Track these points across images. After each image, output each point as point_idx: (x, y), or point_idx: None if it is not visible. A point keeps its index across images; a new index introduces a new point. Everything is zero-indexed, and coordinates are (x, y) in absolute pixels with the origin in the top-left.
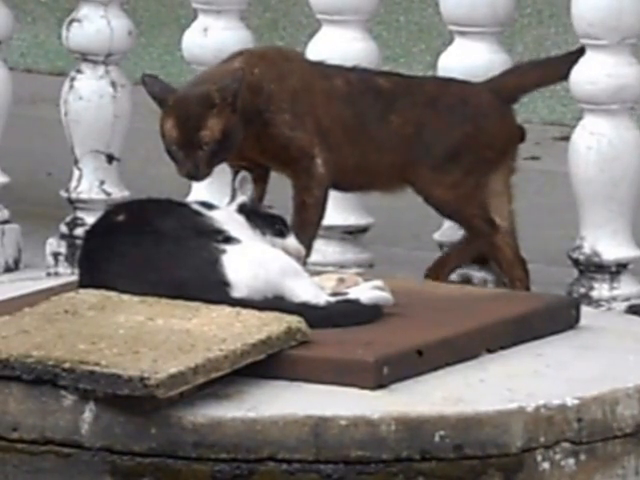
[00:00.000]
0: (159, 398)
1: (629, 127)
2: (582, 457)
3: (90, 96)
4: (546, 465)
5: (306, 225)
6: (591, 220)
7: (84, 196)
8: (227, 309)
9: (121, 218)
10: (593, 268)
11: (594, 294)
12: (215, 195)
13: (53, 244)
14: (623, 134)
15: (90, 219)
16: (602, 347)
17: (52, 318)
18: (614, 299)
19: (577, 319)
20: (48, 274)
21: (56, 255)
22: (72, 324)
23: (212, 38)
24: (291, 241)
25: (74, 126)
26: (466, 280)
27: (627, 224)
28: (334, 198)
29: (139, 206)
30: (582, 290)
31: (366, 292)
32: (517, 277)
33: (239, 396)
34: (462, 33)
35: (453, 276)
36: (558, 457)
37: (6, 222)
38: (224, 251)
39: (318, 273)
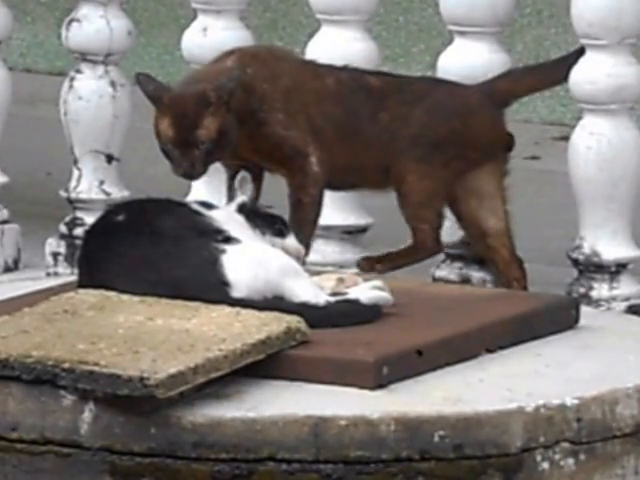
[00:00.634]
0: (159, 398)
1: (629, 127)
2: (582, 457)
3: (89, 96)
4: (546, 465)
5: (303, 224)
6: (591, 220)
7: (83, 196)
8: (227, 309)
9: (121, 218)
10: (593, 268)
11: (594, 294)
12: (214, 195)
13: (52, 244)
14: (623, 134)
15: (89, 219)
16: (602, 347)
17: (51, 318)
18: (614, 299)
19: (577, 319)
20: (47, 274)
21: (55, 255)
22: (71, 324)
23: (211, 38)
24: (291, 241)
25: (73, 126)
26: (465, 280)
27: (627, 224)
28: (334, 198)
29: (139, 206)
30: (582, 290)
31: (366, 292)
32: (514, 277)
33: (239, 396)
34: (462, 33)
35: (452, 276)
36: (558, 457)
37: (5, 222)
38: (224, 251)
39: (318, 273)
